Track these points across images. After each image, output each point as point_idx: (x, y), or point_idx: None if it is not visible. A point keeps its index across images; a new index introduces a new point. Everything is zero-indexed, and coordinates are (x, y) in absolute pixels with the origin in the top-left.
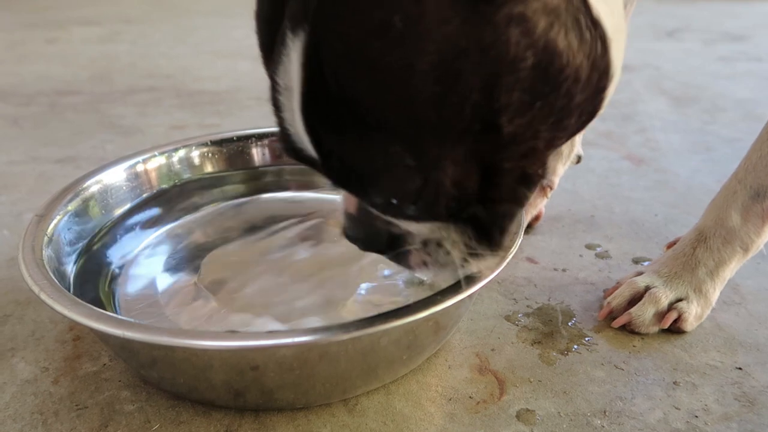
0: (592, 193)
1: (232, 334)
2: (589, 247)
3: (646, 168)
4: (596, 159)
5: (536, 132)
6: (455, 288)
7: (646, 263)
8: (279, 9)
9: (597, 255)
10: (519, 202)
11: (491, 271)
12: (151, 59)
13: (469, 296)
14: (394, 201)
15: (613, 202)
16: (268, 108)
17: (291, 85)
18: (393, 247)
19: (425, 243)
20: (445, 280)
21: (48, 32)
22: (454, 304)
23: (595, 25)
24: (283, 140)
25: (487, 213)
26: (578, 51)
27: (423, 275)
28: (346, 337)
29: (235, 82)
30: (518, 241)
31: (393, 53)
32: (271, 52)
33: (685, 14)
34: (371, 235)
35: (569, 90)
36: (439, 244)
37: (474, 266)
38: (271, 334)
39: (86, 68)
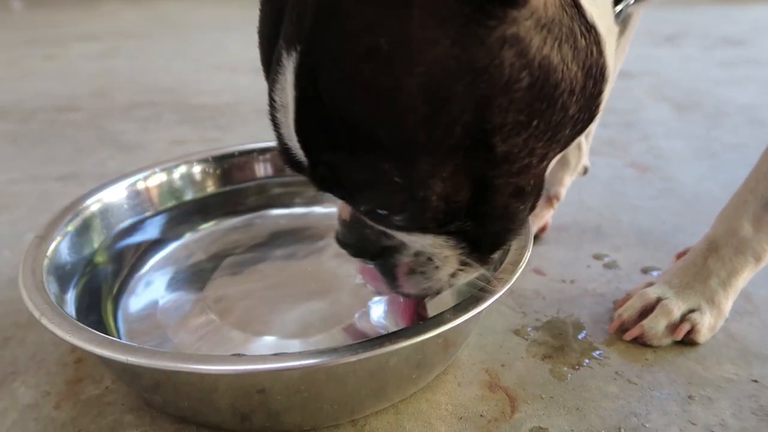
0: (598, 201)
1: (238, 357)
2: (596, 257)
3: (652, 175)
4: (600, 167)
5: (532, 150)
6: (463, 306)
7: (655, 273)
8: (277, 27)
9: (605, 265)
10: (511, 217)
11: (496, 287)
12: (151, 74)
13: (479, 312)
14: (381, 212)
15: (619, 210)
16: (269, 121)
17: (286, 102)
18: (382, 256)
19: (416, 254)
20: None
21: (47, 49)
22: (464, 321)
23: (589, 29)
24: (283, 154)
25: (478, 228)
26: (572, 62)
27: (403, 287)
28: (354, 359)
29: (235, 95)
30: (527, 255)
31: (382, 75)
32: (269, 68)
33: (683, 19)
34: (362, 242)
35: (565, 103)
36: (430, 258)
37: (463, 278)
38: (278, 356)
39: (86, 84)
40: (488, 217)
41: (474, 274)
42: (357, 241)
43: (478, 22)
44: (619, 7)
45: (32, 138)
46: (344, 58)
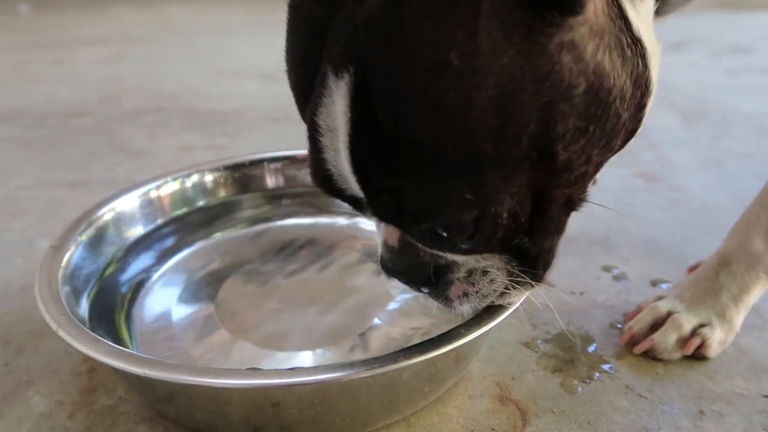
0: (607, 212)
1: (254, 371)
2: (605, 269)
3: (660, 185)
4: (609, 177)
5: (588, 157)
6: (477, 320)
7: (664, 285)
8: (315, 50)
9: (614, 277)
10: (560, 231)
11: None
12: (158, 79)
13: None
14: (448, 235)
15: (628, 222)
16: (276, 127)
17: (335, 127)
18: (437, 279)
19: (470, 272)
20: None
21: (54, 53)
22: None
23: (635, 42)
24: (323, 180)
25: (533, 244)
26: (622, 70)
27: (461, 307)
28: (368, 374)
29: (241, 101)
30: None
31: (452, 90)
32: (307, 93)
33: (689, 26)
34: (416, 268)
35: (617, 110)
36: (485, 273)
37: (515, 295)
38: (294, 371)
39: (94, 89)
40: (542, 231)
41: (526, 292)
42: (409, 268)
43: (540, 31)
44: None
45: (42, 144)
46: (409, 76)
